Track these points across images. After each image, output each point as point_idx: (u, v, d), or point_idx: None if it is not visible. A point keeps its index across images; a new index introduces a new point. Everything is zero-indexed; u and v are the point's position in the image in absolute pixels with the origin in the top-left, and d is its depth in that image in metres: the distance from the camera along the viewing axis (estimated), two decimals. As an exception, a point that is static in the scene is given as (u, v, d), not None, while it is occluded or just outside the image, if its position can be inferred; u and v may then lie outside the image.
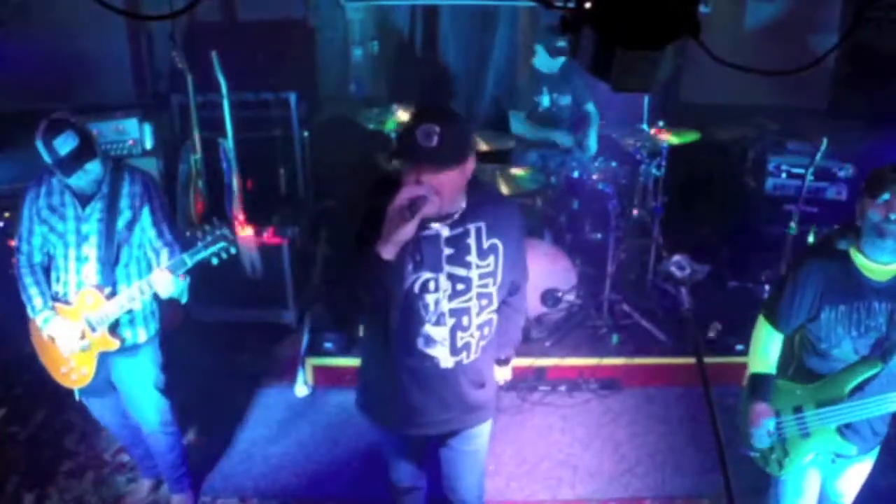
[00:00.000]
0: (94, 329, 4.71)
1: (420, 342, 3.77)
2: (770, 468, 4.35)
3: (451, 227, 3.65)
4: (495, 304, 3.86)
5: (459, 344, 3.81)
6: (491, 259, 3.72)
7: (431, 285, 3.67)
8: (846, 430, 4.15)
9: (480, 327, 3.84)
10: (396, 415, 4.01)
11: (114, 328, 4.77)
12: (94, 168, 4.50)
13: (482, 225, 3.68)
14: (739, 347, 6.73)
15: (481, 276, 3.72)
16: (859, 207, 3.95)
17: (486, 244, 3.70)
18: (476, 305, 3.77)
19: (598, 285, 7.25)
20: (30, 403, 6.52)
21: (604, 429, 6.40)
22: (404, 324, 3.74)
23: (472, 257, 3.68)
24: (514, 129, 7.84)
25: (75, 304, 4.71)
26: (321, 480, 5.87)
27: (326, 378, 6.77)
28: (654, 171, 7.37)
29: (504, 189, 6.92)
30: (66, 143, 4.34)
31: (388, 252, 3.40)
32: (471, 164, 3.52)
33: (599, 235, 7.28)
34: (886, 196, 3.81)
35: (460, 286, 3.70)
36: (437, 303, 3.70)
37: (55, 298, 4.78)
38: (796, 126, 7.93)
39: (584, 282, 7.30)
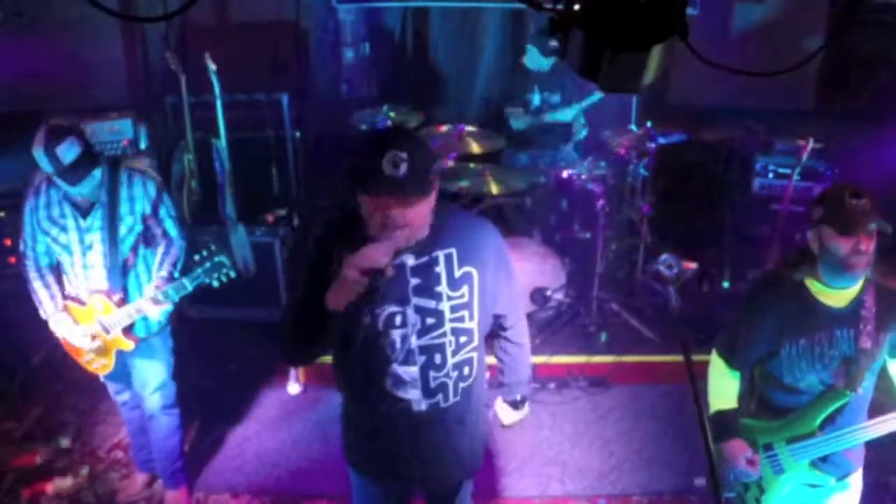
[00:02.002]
0: (108, 331, 4.74)
1: (388, 383, 3.45)
2: None
3: (417, 255, 3.31)
4: (476, 342, 3.51)
5: (433, 385, 3.46)
6: (465, 289, 3.38)
7: (398, 320, 3.34)
8: (821, 462, 3.97)
9: (458, 367, 3.49)
10: (374, 463, 3.77)
11: (128, 329, 4.80)
12: (97, 173, 4.49)
13: (452, 251, 3.35)
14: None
15: (454, 309, 3.38)
16: (816, 235, 3.68)
17: (458, 273, 3.36)
18: (452, 342, 3.42)
19: (586, 284, 7.30)
20: (25, 401, 6.56)
21: (592, 426, 6.43)
22: (368, 364, 3.43)
23: (443, 287, 3.34)
24: (514, 125, 7.87)
25: (88, 305, 4.74)
26: (312, 477, 5.91)
27: (318, 376, 6.80)
28: (642, 170, 7.45)
29: (494, 189, 6.97)
30: (69, 151, 4.27)
31: (336, 306, 3.13)
32: (437, 190, 3.17)
33: (588, 234, 7.32)
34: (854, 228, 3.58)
35: (430, 320, 3.36)
36: (404, 339, 3.37)
37: (68, 297, 4.81)
38: (783, 126, 7.95)
39: (573, 280, 7.34)
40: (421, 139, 3.20)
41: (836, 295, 3.79)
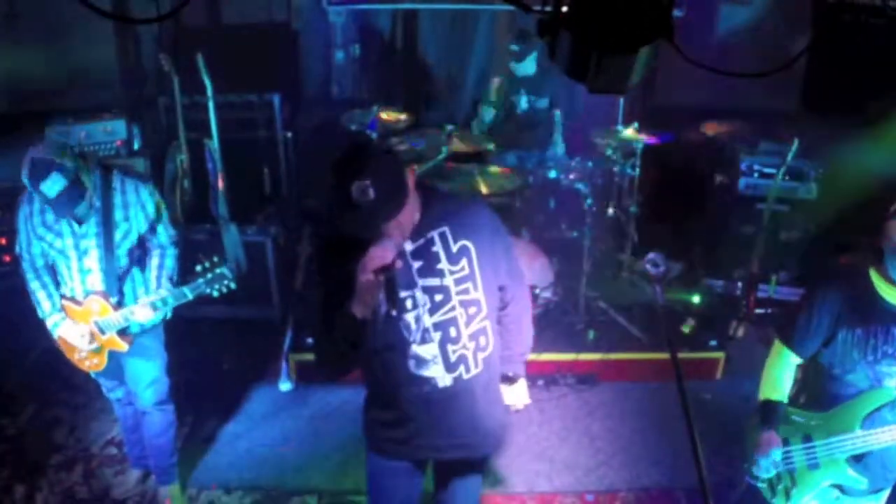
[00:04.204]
0: (103, 332, 4.79)
1: (411, 365, 3.56)
2: (777, 499, 4.18)
3: (412, 239, 3.46)
4: (485, 311, 3.61)
5: (453, 358, 3.58)
6: (464, 262, 3.51)
7: (409, 303, 3.47)
8: (856, 462, 3.98)
9: (474, 337, 3.60)
10: (404, 445, 3.83)
11: (123, 330, 4.84)
12: (84, 205, 4.50)
13: (445, 229, 3.50)
14: (713, 343, 6.91)
15: (458, 282, 3.50)
16: (886, 229, 3.72)
17: (454, 247, 3.50)
18: (463, 314, 3.54)
19: (574, 282, 7.32)
20: (20, 398, 6.61)
21: (580, 422, 6.49)
22: (390, 350, 3.54)
23: (443, 264, 3.48)
24: (485, 119, 8.08)
25: (84, 306, 4.78)
26: (304, 473, 5.96)
27: (309, 373, 6.85)
28: (629, 170, 7.49)
29: (483, 189, 7.02)
30: (53, 187, 4.27)
31: (363, 313, 3.30)
32: (411, 181, 3.35)
33: (576, 234, 7.36)
34: None
35: (438, 297, 3.49)
36: (418, 319, 3.50)
37: (64, 297, 4.84)
38: (768, 127, 8.00)
39: (561, 279, 7.36)
40: (381, 152, 3.31)
41: None
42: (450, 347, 3.56)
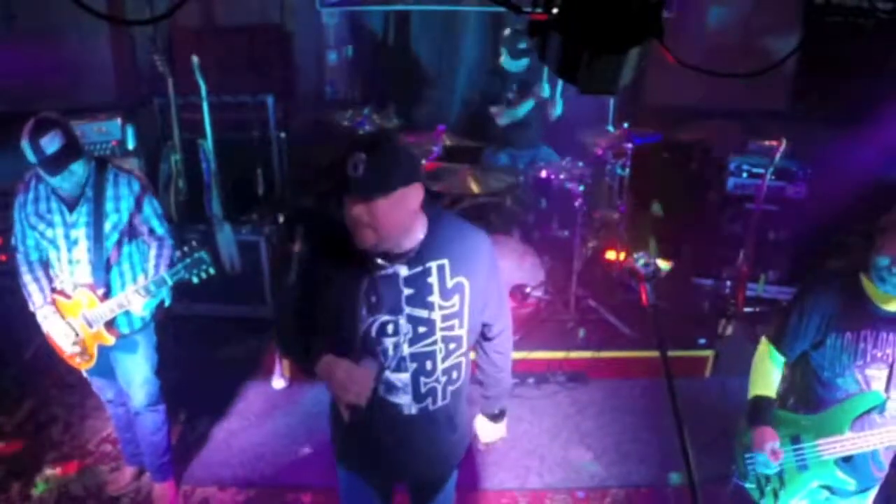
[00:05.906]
0: (91, 325, 4.82)
1: (381, 389, 3.46)
2: (765, 500, 4.18)
3: (410, 265, 3.32)
4: (464, 348, 3.54)
5: (423, 390, 3.50)
6: (456, 299, 3.39)
7: (390, 328, 3.35)
8: (845, 463, 3.98)
9: (447, 371, 3.52)
10: (366, 461, 3.81)
11: (110, 323, 4.88)
12: (78, 169, 4.56)
13: (445, 262, 3.35)
14: (702, 341, 6.97)
15: (445, 318, 3.39)
16: (876, 241, 3.75)
17: (450, 283, 3.37)
18: (442, 349, 3.45)
19: (565, 281, 7.35)
20: (16, 396, 6.65)
21: (571, 420, 6.53)
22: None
23: (435, 297, 3.35)
24: (501, 121, 7.93)
25: (73, 299, 4.82)
26: (297, 470, 6.00)
27: (303, 371, 6.85)
28: (619, 170, 7.53)
29: (474, 189, 7.06)
30: (52, 143, 4.38)
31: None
32: (413, 195, 3.16)
33: (566, 233, 7.40)
34: None
35: (422, 329, 3.37)
36: (396, 347, 3.38)
37: (55, 290, 4.88)
38: (757, 127, 8.04)
39: (552, 278, 7.40)
40: (389, 144, 3.15)
41: (887, 298, 3.83)
42: (422, 380, 3.49)
